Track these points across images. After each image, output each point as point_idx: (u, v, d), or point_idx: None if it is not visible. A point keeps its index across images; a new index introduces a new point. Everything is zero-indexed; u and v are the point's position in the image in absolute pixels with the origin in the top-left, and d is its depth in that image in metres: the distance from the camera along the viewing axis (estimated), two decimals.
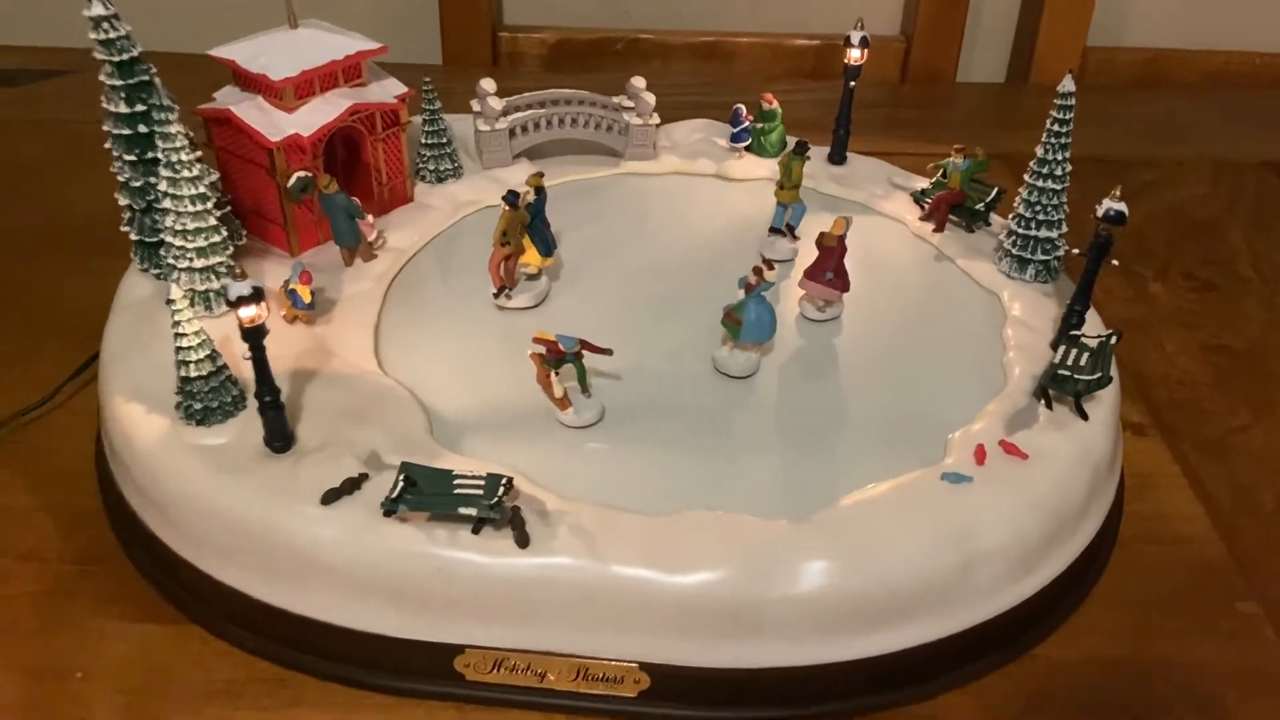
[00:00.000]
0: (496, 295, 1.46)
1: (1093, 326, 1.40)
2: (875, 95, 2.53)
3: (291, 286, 1.38)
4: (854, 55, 1.70)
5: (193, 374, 1.20)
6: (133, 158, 1.35)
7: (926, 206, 1.61)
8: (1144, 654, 1.20)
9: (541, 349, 1.24)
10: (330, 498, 1.12)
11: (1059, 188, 1.47)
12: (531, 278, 1.50)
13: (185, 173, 1.26)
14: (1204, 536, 1.35)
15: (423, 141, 1.69)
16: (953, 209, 1.60)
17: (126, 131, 1.34)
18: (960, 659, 1.19)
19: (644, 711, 1.15)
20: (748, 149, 1.83)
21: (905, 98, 2.50)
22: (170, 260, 1.33)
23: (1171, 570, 1.29)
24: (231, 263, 1.36)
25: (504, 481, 1.11)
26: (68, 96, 2.21)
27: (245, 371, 1.16)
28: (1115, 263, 1.37)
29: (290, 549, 1.09)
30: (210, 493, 1.15)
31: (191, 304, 1.32)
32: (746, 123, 1.81)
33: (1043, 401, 1.29)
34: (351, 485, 1.13)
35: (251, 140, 1.47)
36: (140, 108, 1.31)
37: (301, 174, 1.48)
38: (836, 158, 1.82)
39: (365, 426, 1.19)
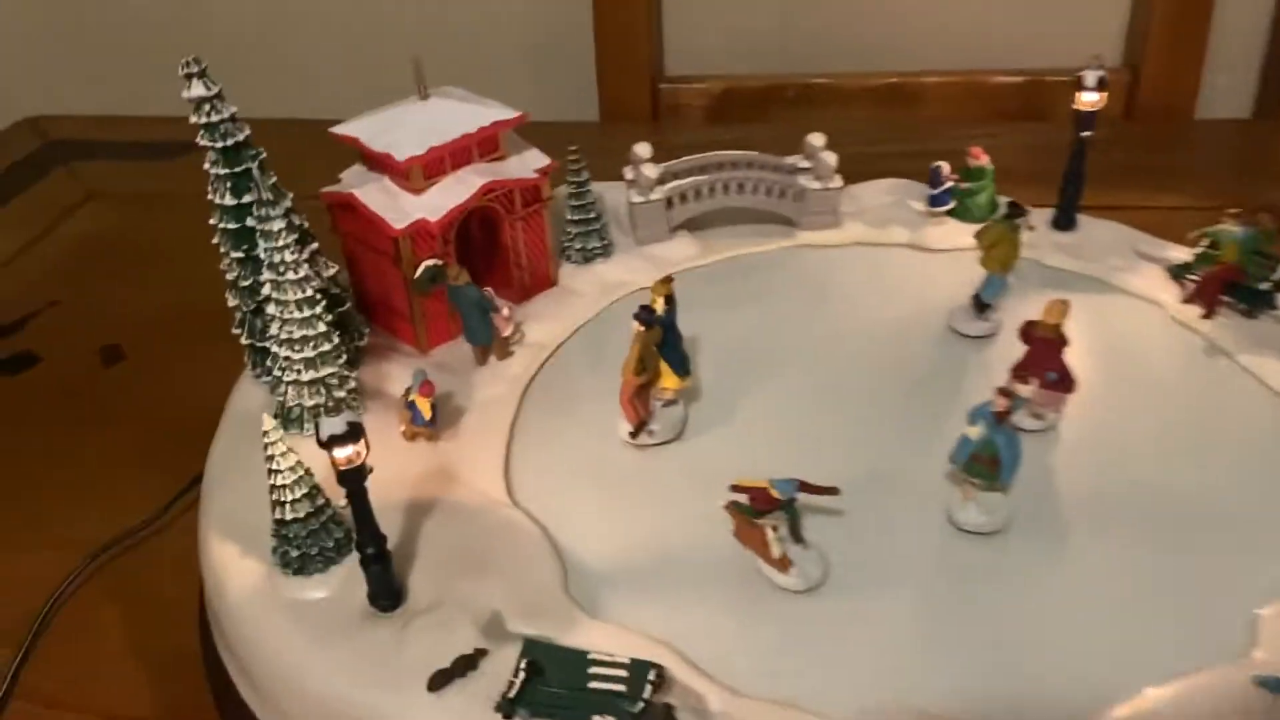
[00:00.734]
0: (635, 434, 1.20)
1: None
2: (1094, 135, 2.18)
3: (411, 398, 1.18)
4: (1088, 99, 1.40)
5: (288, 516, 1.01)
6: (240, 254, 1.19)
7: (1190, 285, 1.27)
8: None
9: (742, 498, 1.01)
10: (439, 682, 0.92)
11: None
12: (667, 403, 1.24)
13: (290, 274, 1.08)
14: None
15: (569, 218, 1.49)
16: (1227, 288, 1.26)
17: (233, 225, 1.18)
18: None
19: None
20: (950, 214, 1.54)
21: (1132, 138, 2.12)
22: (277, 372, 1.15)
23: None
24: (346, 373, 1.17)
25: (652, 672, 0.86)
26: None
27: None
28: None
29: None
30: (300, 662, 0.98)
31: (289, 426, 1.14)
32: (949, 183, 1.52)
33: None
34: (465, 665, 0.92)
35: (376, 228, 1.29)
36: (248, 199, 1.15)
37: (430, 263, 1.29)
38: (1064, 221, 1.51)
39: (487, 578, 1.01)
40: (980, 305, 1.35)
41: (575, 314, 1.44)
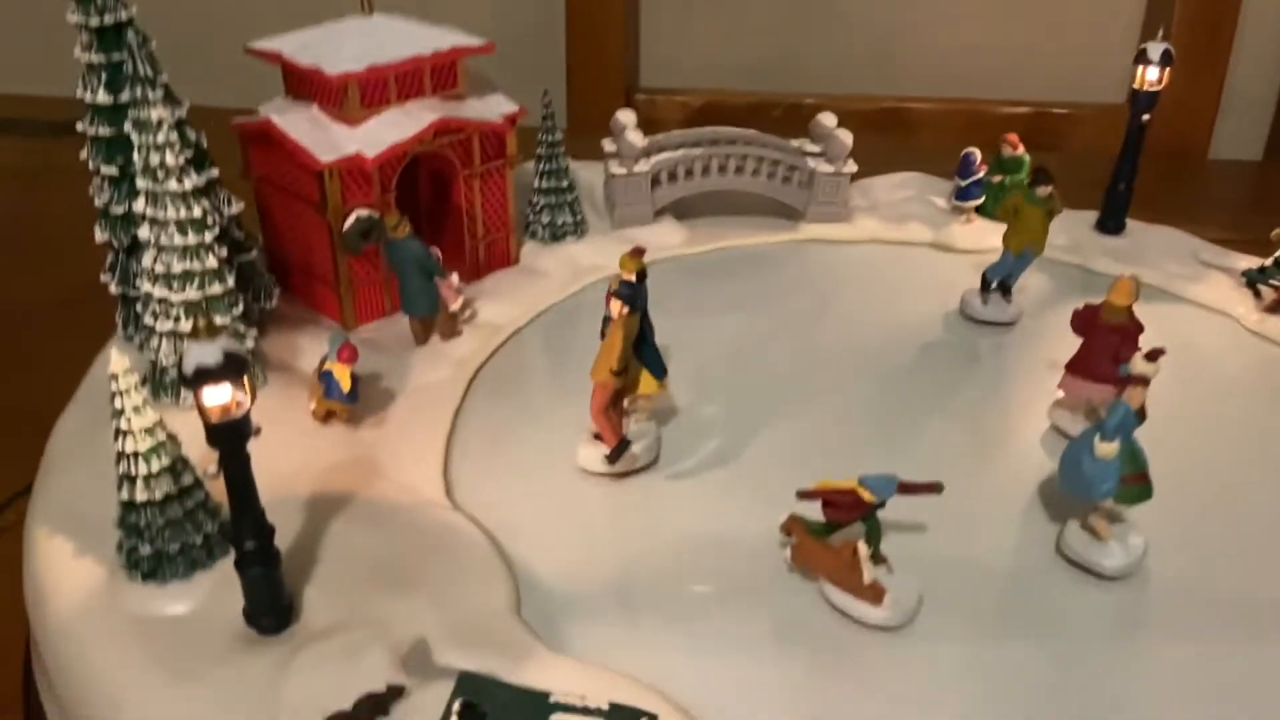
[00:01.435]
0: (615, 458, 0.92)
1: None
2: (1104, 171, 2.04)
3: (327, 367, 0.91)
4: (1151, 76, 1.20)
5: (140, 497, 0.74)
6: (114, 170, 0.92)
7: (1272, 292, 1.05)
8: None
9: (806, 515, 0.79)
10: None
11: None
12: (637, 421, 0.97)
13: (172, 183, 0.82)
14: None
15: (537, 186, 1.24)
16: None
17: (107, 132, 0.91)
18: None
19: None
20: (979, 211, 1.33)
21: (1144, 173, 1.96)
22: (149, 320, 0.88)
23: None
24: (243, 328, 0.90)
25: None
26: None
27: None
28: None
29: None
30: (145, 700, 0.71)
31: (160, 393, 0.87)
32: (979, 173, 1.31)
33: None
34: (373, 707, 0.64)
35: (296, 163, 1.03)
36: (128, 98, 0.88)
37: (363, 213, 1.04)
38: (1112, 224, 1.30)
39: (412, 594, 0.80)
40: (1002, 288, 1.17)
41: (538, 296, 1.19)
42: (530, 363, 1.12)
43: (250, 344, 0.92)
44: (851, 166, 1.33)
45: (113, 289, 0.99)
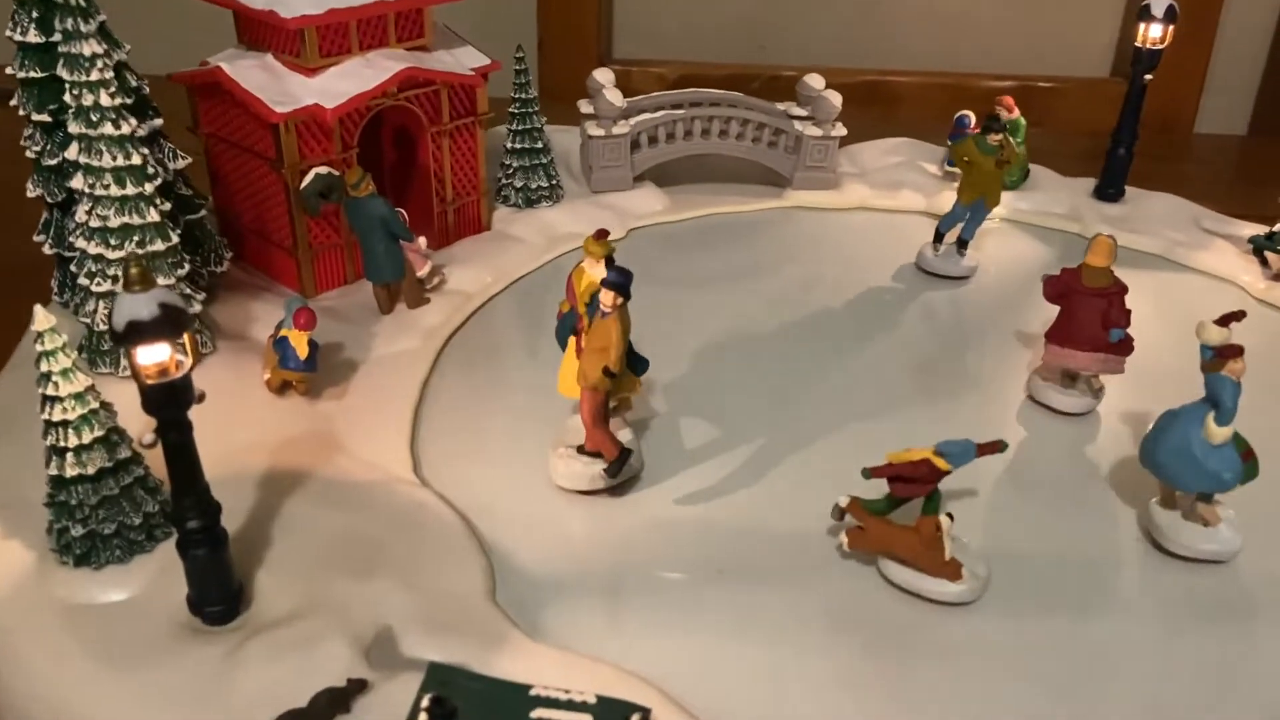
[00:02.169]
0: (617, 470, 0.82)
1: None
2: (1090, 146, 2.00)
3: (283, 333, 0.83)
4: (1154, 33, 1.15)
5: (71, 471, 0.66)
6: (46, 116, 0.84)
7: (1278, 259, 1.02)
8: None
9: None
10: None
11: None
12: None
13: (108, 127, 0.74)
14: None
15: (509, 146, 1.17)
16: None
17: (39, 74, 0.83)
18: None
19: None
20: None
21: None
22: (83, 280, 0.80)
23: None
24: (190, 290, 0.83)
25: (636, 716, 0.52)
26: None
27: None
28: None
29: None
30: (79, 698, 0.64)
31: (97, 361, 0.79)
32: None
33: None
34: (332, 704, 0.57)
35: (250, 116, 0.95)
36: (60, 34, 0.80)
37: (322, 170, 0.96)
38: (1110, 191, 1.25)
39: (376, 578, 0.72)
40: (959, 242, 1.14)
41: (512, 264, 1.13)
42: (503, 333, 1.05)
43: (196, 308, 0.85)
44: (840, 130, 1.27)
45: (46, 249, 0.90)
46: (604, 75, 1.26)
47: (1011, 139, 1.27)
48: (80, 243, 0.79)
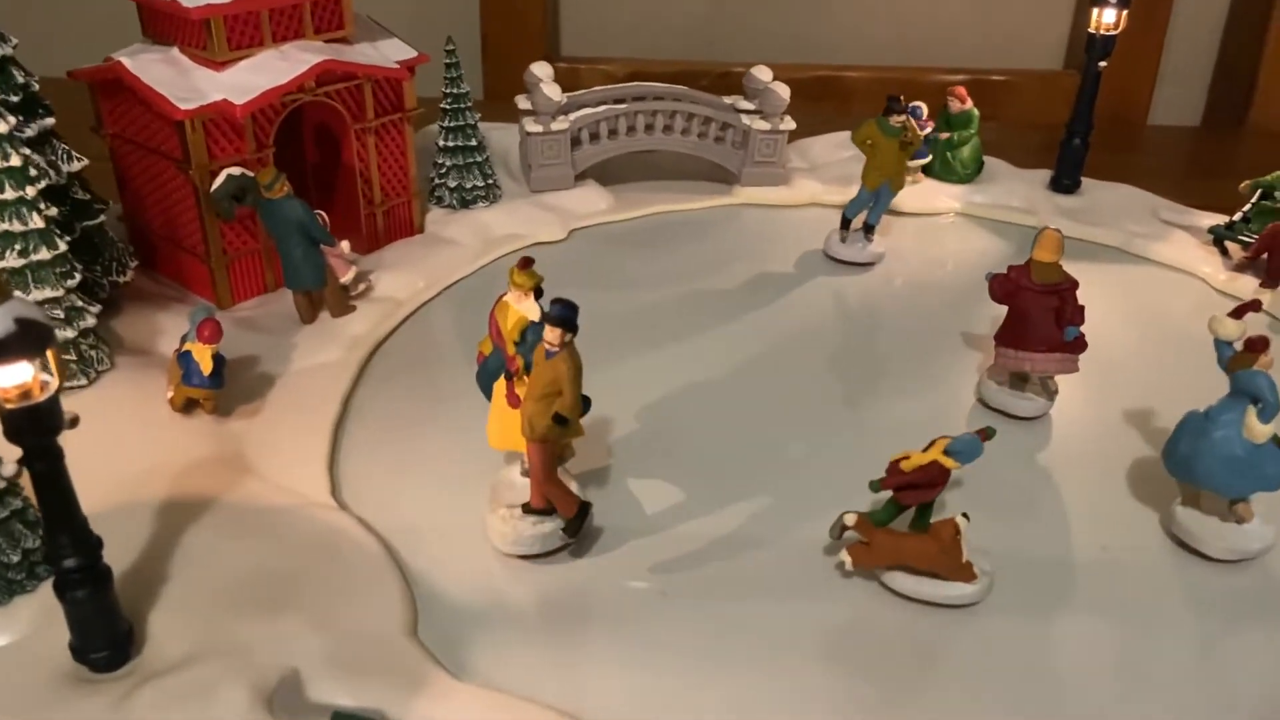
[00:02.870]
0: (577, 528, 0.73)
1: None
2: (1043, 139, 1.98)
3: (186, 347, 0.77)
4: (1108, 18, 1.12)
5: None
6: None
7: (1240, 248, 0.98)
8: None
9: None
10: None
11: None
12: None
13: None
14: None
15: (442, 144, 1.11)
16: None
17: None
18: None
19: None
20: (925, 170, 1.23)
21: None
22: None
23: None
24: (81, 302, 0.76)
25: None
26: None
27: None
28: None
29: None
30: None
31: None
32: (926, 129, 1.21)
33: None
34: None
35: (154, 114, 0.88)
36: None
37: (234, 171, 0.89)
38: (1066, 182, 1.21)
39: (285, 615, 0.66)
40: (866, 228, 1.11)
41: (446, 268, 1.07)
42: (435, 342, 0.99)
43: (90, 321, 0.78)
44: (789, 123, 1.23)
45: None
46: (541, 69, 1.20)
47: (914, 120, 1.22)
48: None
